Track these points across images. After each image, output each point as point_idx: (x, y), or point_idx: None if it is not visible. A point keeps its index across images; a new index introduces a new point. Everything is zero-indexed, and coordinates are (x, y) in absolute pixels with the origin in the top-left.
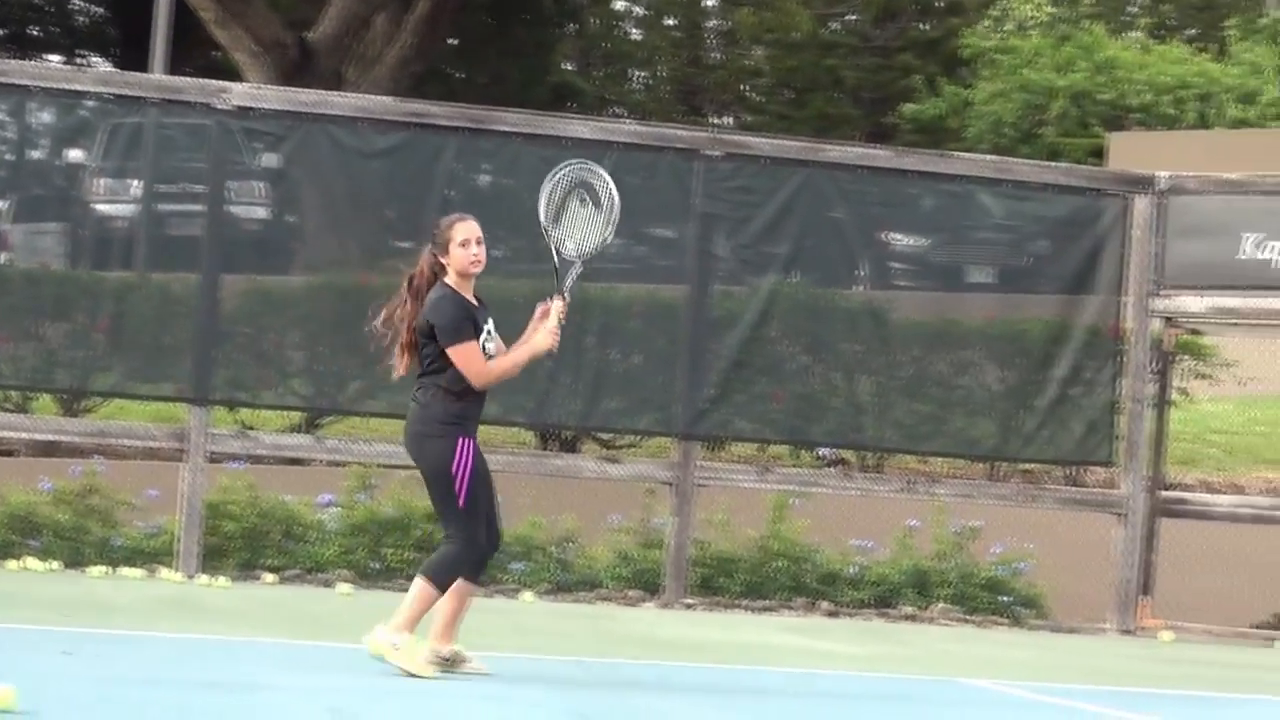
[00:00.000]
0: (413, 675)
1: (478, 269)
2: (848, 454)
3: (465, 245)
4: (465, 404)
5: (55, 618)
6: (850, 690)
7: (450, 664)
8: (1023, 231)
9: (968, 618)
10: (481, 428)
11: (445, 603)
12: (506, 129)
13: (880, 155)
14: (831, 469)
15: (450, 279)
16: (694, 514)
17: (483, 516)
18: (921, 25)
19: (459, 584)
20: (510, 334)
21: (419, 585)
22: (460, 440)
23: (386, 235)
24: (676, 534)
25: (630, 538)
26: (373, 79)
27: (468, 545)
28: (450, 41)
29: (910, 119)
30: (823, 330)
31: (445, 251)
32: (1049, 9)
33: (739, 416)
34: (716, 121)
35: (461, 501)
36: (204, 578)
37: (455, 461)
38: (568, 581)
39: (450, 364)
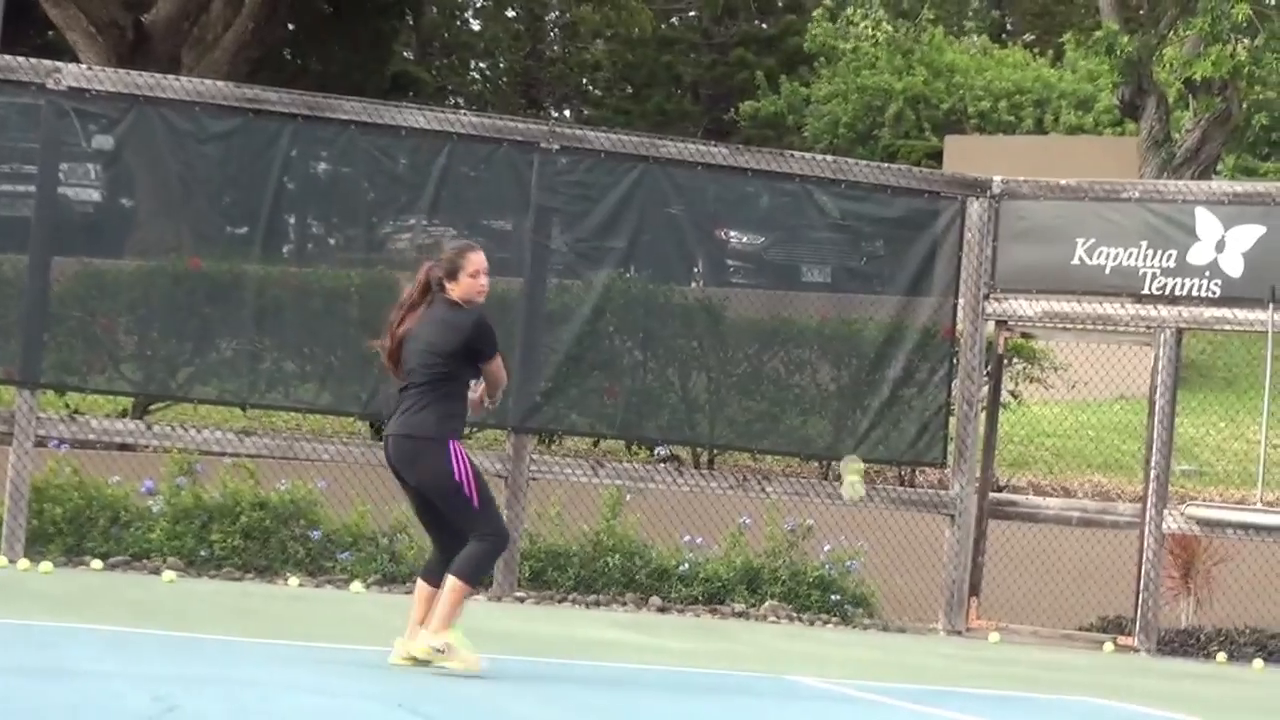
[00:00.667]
0: (468, 673)
1: (483, 298)
2: (681, 450)
3: (475, 275)
4: (460, 406)
5: None
6: (679, 683)
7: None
8: (858, 232)
9: (798, 615)
10: (312, 418)
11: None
12: (344, 117)
13: (717, 153)
14: (664, 465)
15: (452, 297)
16: (526, 507)
17: (495, 506)
18: (760, 23)
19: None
20: (341, 324)
21: (451, 583)
22: (452, 444)
23: (220, 220)
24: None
25: None
26: (209, 64)
27: (497, 538)
28: (288, 28)
29: (748, 116)
30: (658, 326)
31: (454, 278)
32: (887, 27)
33: (573, 411)
34: (555, 115)
35: (476, 501)
36: (27, 562)
37: (455, 468)
38: (397, 573)
39: (455, 372)
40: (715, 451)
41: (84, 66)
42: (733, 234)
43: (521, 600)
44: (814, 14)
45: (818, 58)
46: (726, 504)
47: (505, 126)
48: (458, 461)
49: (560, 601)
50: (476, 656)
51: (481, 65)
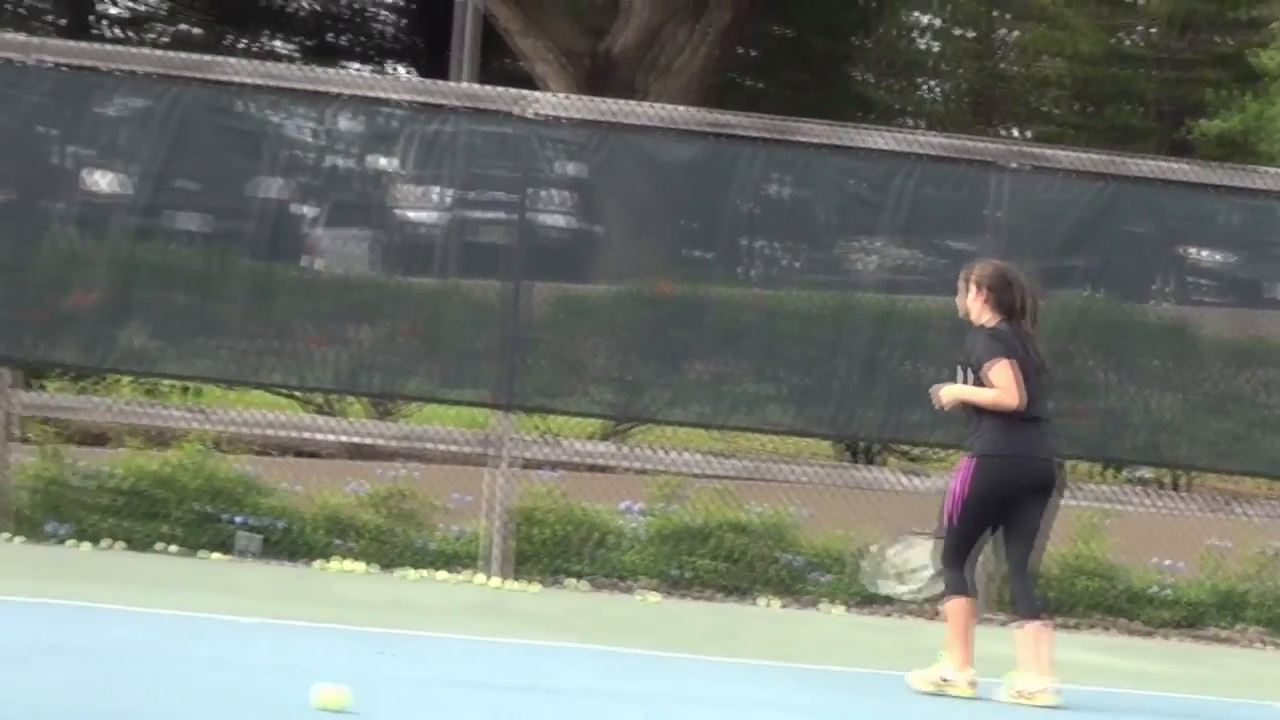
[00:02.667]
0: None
1: None
2: (1150, 472)
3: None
4: None
5: (368, 618)
6: (1157, 709)
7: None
8: None
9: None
10: (780, 439)
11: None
12: (808, 140)
13: (1182, 169)
14: (1137, 487)
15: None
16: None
17: None
18: (1220, 39)
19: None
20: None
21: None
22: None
23: (687, 244)
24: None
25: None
26: (671, 90)
27: None
28: (747, 53)
29: (1207, 133)
30: (1125, 346)
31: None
32: None
33: None
34: (1004, 132)
35: None
36: (513, 582)
37: None
38: (874, 595)
39: None
40: (1188, 474)
41: (554, 94)
42: (1197, 251)
43: (1000, 623)
44: (1273, 27)
45: (1264, 77)
46: (1199, 526)
47: (967, 146)
48: None
49: None
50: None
51: (932, 84)
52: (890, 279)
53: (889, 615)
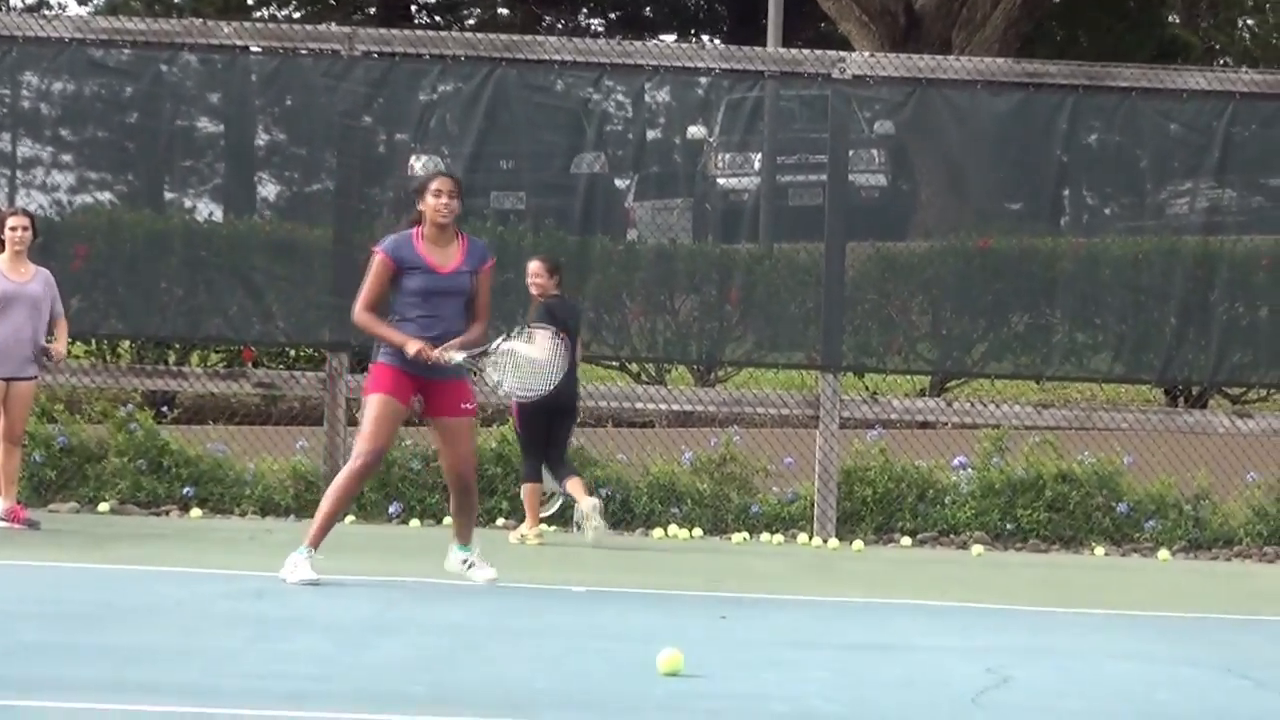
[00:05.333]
0: None
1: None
2: None
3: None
4: None
5: (702, 583)
6: None
7: None
8: None
9: None
10: (1110, 387)
11: None
12: (1124, 84)
13: None
14: None
15: None
16: None
17: None
18: None
19: None
20: (1130, 292)
21: None
22: None
23: (1004, 196)
24: None
25: (1266, 494)
26: (980, 42)
27: None
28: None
29: None
30: None
31: None
32: None
33: None
34: None
35: None
36: (838, 541)
37: None
38: (1203, 539)
39: None
40: None
41: (866, 54)
42: None
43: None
44: None
45: None
46: None
47: None
48: None
49: None
50: None
51: (1249, 22)
52: (1211, 220)
53: (1217, 559)
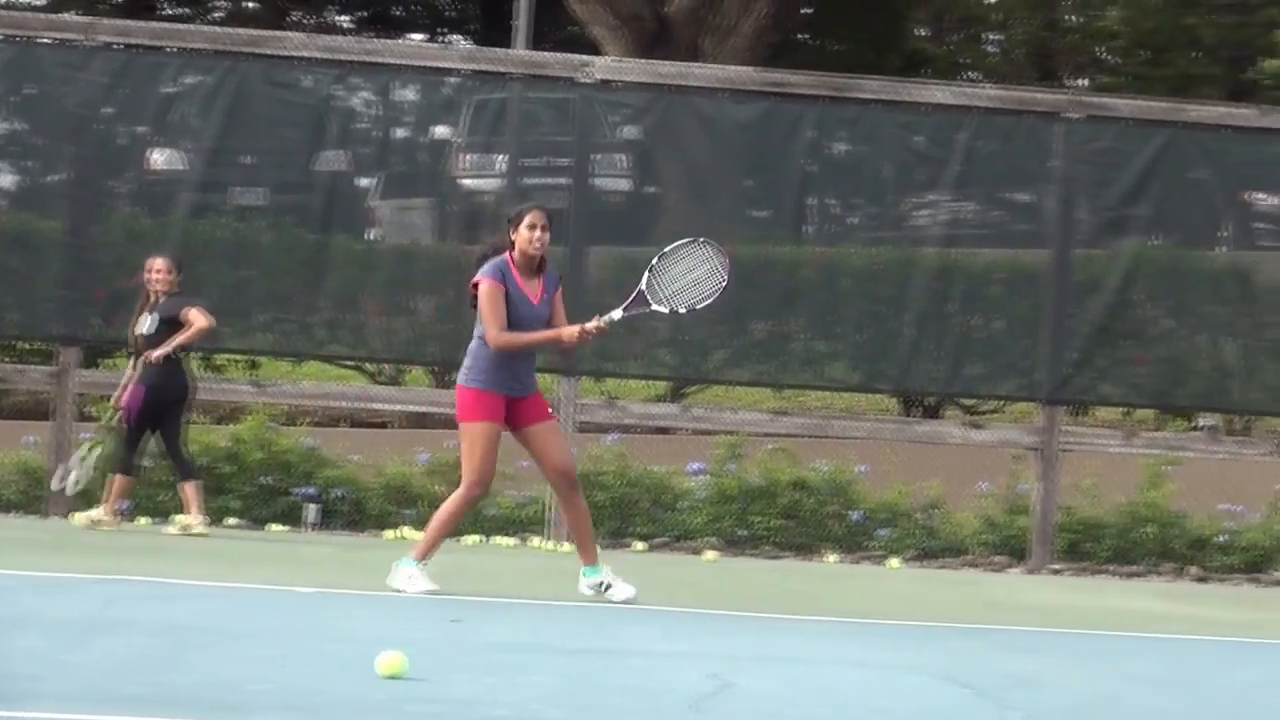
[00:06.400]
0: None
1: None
2: (1212, 418)
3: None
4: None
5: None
6: (1231, 654)
7: None
8: None
9: None
10: (846, 395)
11: None
12: (867, 96)
13: (1244, 114)
14: (1200, 432)
15: None
16: (1059, 479)
17: None
18: None
19: None
20: (869, 302)
21: None
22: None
23: (745, 204)
24: (1043, 500)
25: (996, 504)
26: (729, 50)
27: None
28: (804, 10)
29: (1271, 74)
30: (1186, 292)
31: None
32: None
33: (1103, 381)
34: (1071, 84)
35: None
36: (570, 546)
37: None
38: (934, 548)
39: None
40: (1249, 418)
41: (613, 59)
42: (1259, 196)
43: (1057, 572)
44: None
45: None
46: (1264, 471)
47: (1027, 98)
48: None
49: (1095, 573)
50: None
51: (995, 38)
52: (952, 233)
53: (947, 568)
